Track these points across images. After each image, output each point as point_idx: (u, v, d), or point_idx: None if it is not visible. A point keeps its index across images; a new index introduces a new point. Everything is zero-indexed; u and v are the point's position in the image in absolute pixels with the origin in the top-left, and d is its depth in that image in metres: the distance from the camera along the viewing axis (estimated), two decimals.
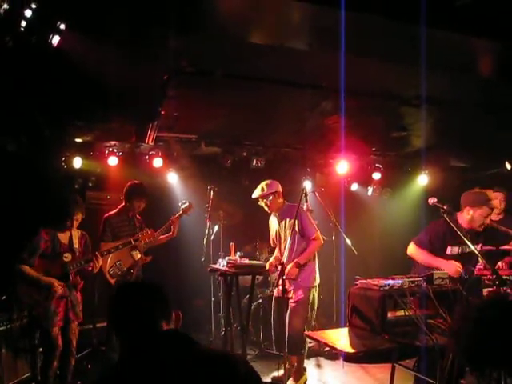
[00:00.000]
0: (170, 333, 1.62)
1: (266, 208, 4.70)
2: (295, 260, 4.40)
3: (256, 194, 4.64)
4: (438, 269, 3.47)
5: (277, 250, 4.81)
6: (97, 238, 4.63)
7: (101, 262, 4.22)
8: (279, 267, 4.11)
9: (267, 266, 4.72)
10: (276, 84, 4.33)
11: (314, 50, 3.72)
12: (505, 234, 4.09)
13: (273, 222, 4.80)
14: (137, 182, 4.97)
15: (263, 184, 4.64)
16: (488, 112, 5.03)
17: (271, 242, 4.91)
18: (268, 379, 4.55)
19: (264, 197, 4.60)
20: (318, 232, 4.53)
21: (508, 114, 4.97)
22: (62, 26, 2.78)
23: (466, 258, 3.71)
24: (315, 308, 4.57)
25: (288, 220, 4.56)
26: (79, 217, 4.18)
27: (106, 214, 4.83)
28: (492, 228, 4.03)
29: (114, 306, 1.73)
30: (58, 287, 3.92)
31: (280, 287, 3.87)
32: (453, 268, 3.52)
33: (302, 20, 3.39)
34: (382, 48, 3.64)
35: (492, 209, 3.83)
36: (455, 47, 3.69)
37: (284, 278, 3.83)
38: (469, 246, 3.42)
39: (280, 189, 4.67)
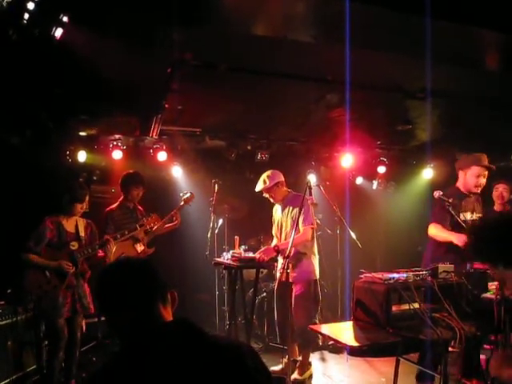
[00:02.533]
0: (178, 323, 1.45)
1: (272, 200, 4.67)
2: (276, 244, 4.45)
3: (259, 187, 4.61)
4: (451, 242, 3.63)
5: (275, 240, 4.78)
6: (100, 232, 4.64)
7: (114, 247, 4.22)
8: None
9: (257, 256, 4.53)
10: (280, 77, 4.30)
11: (318, 43, 3.70)
12: None
13: (277, 211, 4.77)
14: (131, 171, 4.98)
15: (264, 176, 4.59)
16: (494, 105, 4.99)
17: (273, 232, 4.85)
18: None
19: (267, 190, 4.58)
20: (310, 228, 4.43)
21: None
22: (65, 19, 2.77)
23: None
24: (320, 302, 4.56)
25: (291, 209, 4.52)
26: (87, 201, 4.20)
27: (108, 208, 4.85)
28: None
29: (102, 294, 1.50)
30: (68, 266, 3.94)
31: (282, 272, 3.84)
32: (462, 238, 3.59)
33: (307, 12, 3.36)
34: (387, 40, 3.61)
35: (483, 167, 3.94)
36: (461, 39, 3.66)
37: (288, 270, 3.79)
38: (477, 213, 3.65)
39: (282, 178, 4.63)
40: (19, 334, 4.20)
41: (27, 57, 3.25)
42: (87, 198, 4.18)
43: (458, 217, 3.73)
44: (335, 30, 3.34)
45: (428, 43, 3.35)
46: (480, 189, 4.04)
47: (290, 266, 4.13)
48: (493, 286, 3.06)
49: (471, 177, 3.98)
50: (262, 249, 4.57)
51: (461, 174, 4.07)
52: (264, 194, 4.65)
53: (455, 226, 3.88)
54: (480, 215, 4.05)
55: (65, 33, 2.87)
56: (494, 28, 3.44)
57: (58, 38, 2.86)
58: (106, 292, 1.50)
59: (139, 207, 4.99)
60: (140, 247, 4.77)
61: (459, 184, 4.10)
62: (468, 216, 3.92)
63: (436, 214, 4.00)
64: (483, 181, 4.01)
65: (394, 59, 3.97)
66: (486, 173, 4.01)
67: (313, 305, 4.46)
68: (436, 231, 3.91)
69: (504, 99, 4.83)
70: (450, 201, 3.53)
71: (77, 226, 4.17)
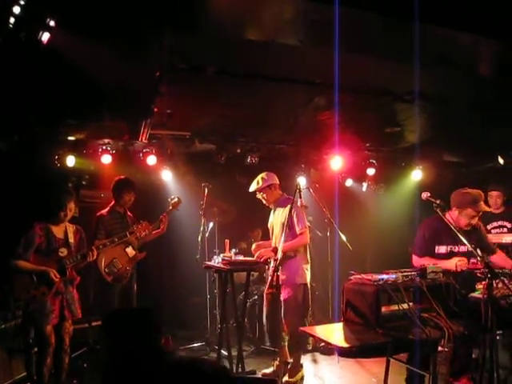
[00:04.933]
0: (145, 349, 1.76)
1: (264, 201, 4.69)
2: (274, 246, 4.45)
3: (252, 187, 4.65)
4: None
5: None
6: (91, 237, 4.62)
7: (95, 255, 4.20)
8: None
9: (253, 246, 4.71)
10: (269, 80, 4.32)
11: (307, 47, 3.72)
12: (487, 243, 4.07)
13: (271, 214, 4.81)
14: (122, 176, 4.99)
15: (259, 177, 4.64)
16: (481, 108, 5.05)
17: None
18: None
19: (260, 190, 4.60)
20: (307, 230, 4.49)
21: (500, 110, 4.99)
22: (52, 23, 2.76)
23: (457, 256, 3.75)
24: (309, 306, 4.57)
25: (281, 211, 4.55)
26: (72, 206, 4.13)
27: (98, 213, 4.84)
28: (480, 231, 4.05)
29: (110, 337, 1.85)
30: (55, 277, 3.90)
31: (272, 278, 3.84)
32: (454, 264, 3.55)
33: (295, 16, 3.38)
34: (375, 44, 3.64)
35: (478, 211, 3.82)
36: (448, 43, 3.70)
37: (277, 272, 3.78)
38: (457, 246, 3.47)
39: (276, 181, 4.66)
40: (8, 341, 4.16)
41: (14, 61, 3.23)
42: (71, 205, 4.11)
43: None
44: (324, 33, 3.36)
45: (416, 47, 3.38)
46: (471, 226, 3.91)
47: (280, 268, 4.14)
48: (480, 285, 3.10)
49: (465, 217, 3.83)
50: (264, 250, 4.58)
51: (454, 210, 3.88)
52: (257, 195, 4.68)
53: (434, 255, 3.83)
54: (471, 246, 3.95)
55: (52, 37, 2.86)
56: (479, 32, 3.48)
57: (45, 42, 2.85)
58: (113, 336, 1.82)
59: (129, 213, 4.99)
60: (131, 252, 4.77)
61: (451, 216, 3.89)
62: (443, 249, 3.83)
63: (421, 242, 3.90)
64: (475, 221, 3.87)
65: (382, 62, 4.00)
66: (480, 214, 3.89)
67: (301, 309, 4.46)
68: (420, 263, 3.67)
69: (490, 102, 4.89)
70: (438, 202, 3.55)
71: (66, 233, 4.14)
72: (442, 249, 3.83)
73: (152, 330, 1.82)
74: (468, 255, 3.63)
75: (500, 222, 5.22)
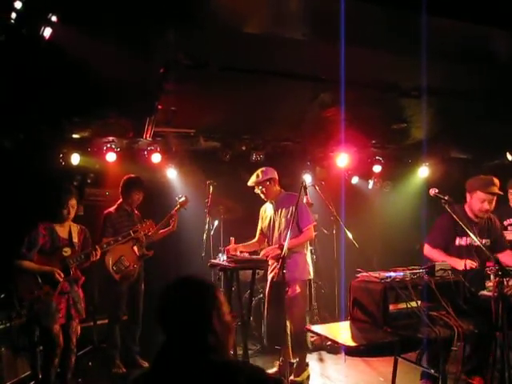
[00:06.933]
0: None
1: (262, 196, 4.65)
2: (280, 243, 4.39)
3: (251, 181, 4.60)
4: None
5: (255, 240, 4.81)
6: (96, 235, 4.61)
7: (99, 255, 4.18)
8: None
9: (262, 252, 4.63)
10: (274, 76, 4.28)
11: (312, 41, 3.67)
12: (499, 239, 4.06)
13: (267, 210, 4.74)
14: (132, 175, 4.96)
15: (258, 171, 4.59)
16: (488, 103, 4.98)
17: (259, 230, 4.83)
18: None
19: (259, 183, 4.56)
20: (312, 226, 4.48)
21: (508, 106, 4.93)
22: (54, 18, 2.73)
23: (476, 251, 3.71)
24: (313, 302, 4.54)
25: (285, 209, 4.51)
26: (74, 203, 4.10)
27: (106, 211, 4.83)
28: (493, 225, 4.02)
29: (161, 310, 1.65)
30: (59, 276, 3.88)
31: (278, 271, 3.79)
32: (462, 264, 3.50)
33: (300, 9, 3.34)
34: (381, 38, 3.60)
35: (489, 193, 3.83)
36: (455, 36, 3.65)
37: (283, 270, 3.73)
38: (485, 238, 3.44)
39: (276, 176, 4.62)
40: (13, 339, 4.15)
41: (17, 58, 3.21)
42: (72, 202, 4.08)
43: (464, 218, 3.64)
44: (329, 27, 3.32)
45: (424, 40, 3.33)
46: (486, 214, 3.92)
47: (285, 266, 4.09)
48: (490, 283, 3.04)
49: (476, 201, 3.86)
50: (270, 248, 4.55)
51: (467, 196, 3.96)
52: (255, 190, 4.63)
53: (452, 247, 3.84)
54: (488, 240, 3.90)
55: (54, 33, 2.83)
56: (489, 23, 3.42)
57: (47, 37, 2.82)
58: (165, 309, 1.63)
59: (136, 211, 4.97)
60: (139, 250, 4.76)
61: (466, 206, 3.98)
62: (463, 241, 3.83)
63: (435, 234, 3.93)
64: (488, 206, 3.86)
65: (389, 56, 3.95)
66: (494, 198, 3.87)
67: (305, 306, 4.45)
68: (436, 255, 3.83)
69: (498, 96, 4.82)
70: (446, 198, 3.49)
71: (70, 232, 4.12)
72: (462, 241, 3.83)
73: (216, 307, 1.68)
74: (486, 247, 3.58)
75: None
